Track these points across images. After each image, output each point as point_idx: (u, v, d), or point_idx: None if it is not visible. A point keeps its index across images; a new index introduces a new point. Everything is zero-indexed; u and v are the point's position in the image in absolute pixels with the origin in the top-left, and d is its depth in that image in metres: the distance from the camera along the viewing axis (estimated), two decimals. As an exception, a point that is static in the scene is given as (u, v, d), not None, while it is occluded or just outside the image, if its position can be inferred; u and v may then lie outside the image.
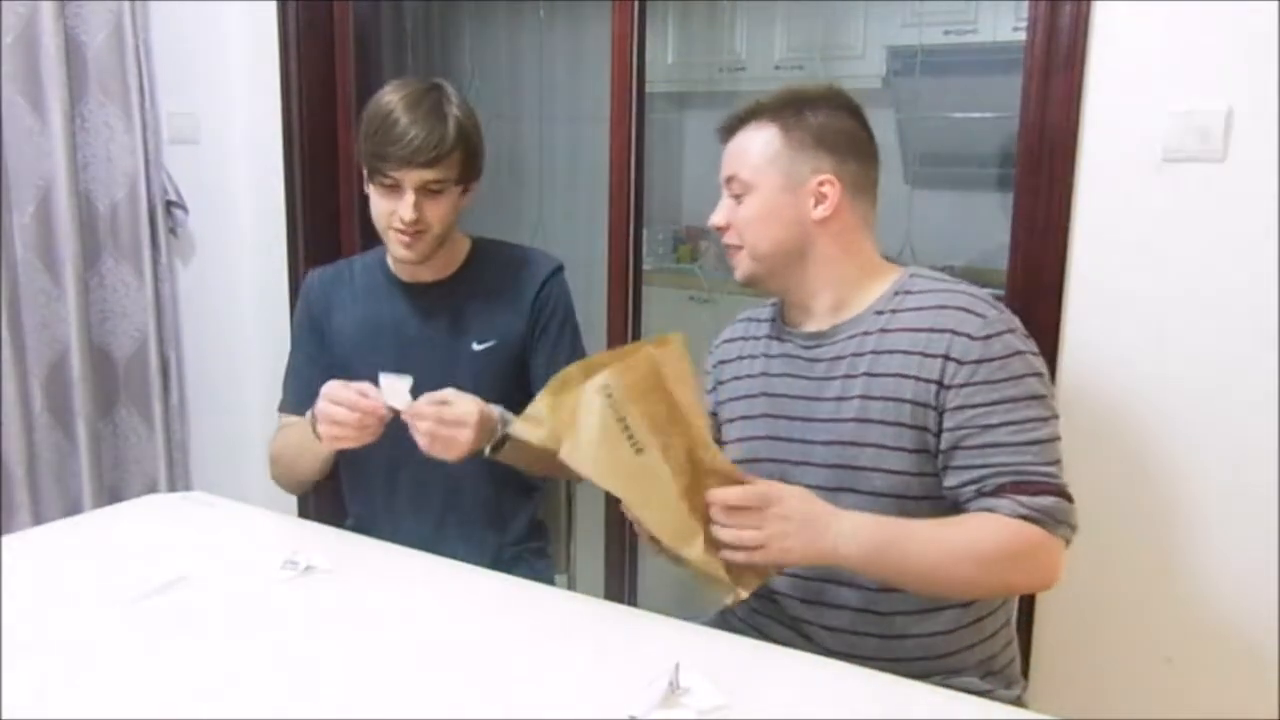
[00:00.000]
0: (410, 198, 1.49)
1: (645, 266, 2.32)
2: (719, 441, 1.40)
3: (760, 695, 1.05)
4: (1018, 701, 1.31)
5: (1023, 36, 1.70)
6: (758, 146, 1.32)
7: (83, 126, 2.58)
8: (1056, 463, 1.20)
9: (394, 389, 1.37)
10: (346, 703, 1.03)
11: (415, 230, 1.51)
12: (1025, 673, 1.53)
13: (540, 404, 1.13)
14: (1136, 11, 1.59)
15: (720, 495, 1.13)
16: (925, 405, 1.22)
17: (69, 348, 2.58)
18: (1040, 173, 1.69)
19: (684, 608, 1.47)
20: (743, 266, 1.35)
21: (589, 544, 2.15)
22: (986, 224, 3.32)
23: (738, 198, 1.33)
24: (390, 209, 1.51)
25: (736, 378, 1.43)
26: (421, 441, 1.37)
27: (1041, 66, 1.67)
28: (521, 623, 1.23)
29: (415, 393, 1.55)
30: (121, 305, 2.68)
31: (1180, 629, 1.67)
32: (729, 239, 1.36)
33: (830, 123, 1.32)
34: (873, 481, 1.25)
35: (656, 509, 1.13)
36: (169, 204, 2.70)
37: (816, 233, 1.31)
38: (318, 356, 1.68)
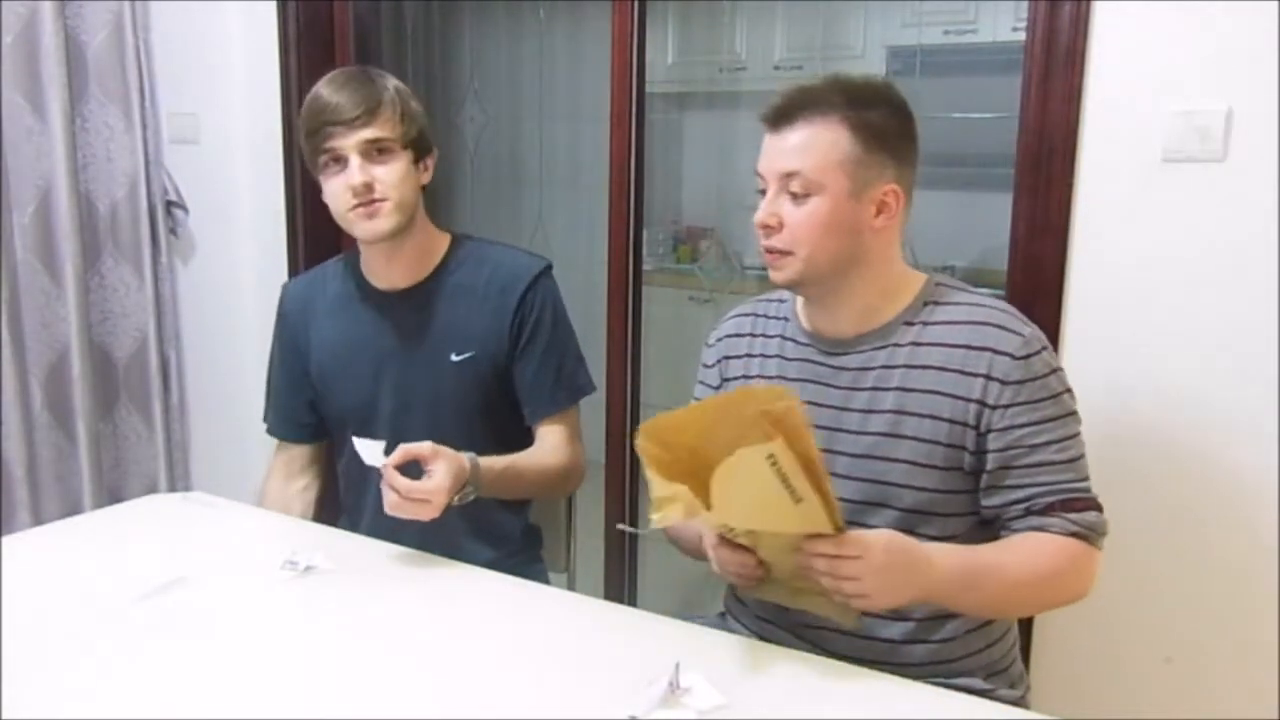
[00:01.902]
0: (356, 160, 1.44)
1: (645, 266, 2.32)
2: None
3: (760, 695, 1.05)
4: (1021, 701, 1.31)
5: (1023, 36, 1.71)
6: (825, 143, 1.20)
7: (83, 126, 2.58)
8: (1089, 477, 1.22)
9: (370, 449, 1.36)
10: (346, 703, 1.03)
11: (372, 199, 1.45)
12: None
13: (660, 489, 1.05)
14: (1136, 11, 1.59)
15: (822, 546, 1.07)
16: (963, 424, 1.21)
17: (69, 348, 2.58)
18: (1040, 173, 1.69)
19: (684, 608, 1.47)
20: (789, 271, 1.24)
21: (589, 544, 2.15)
22: (986, 224, 3.32)
23: (796, 196, 1.21)
24: (342, 185, 1.45)
25: (747, 376, 1.37)
26: (386, 507, 1.33)
27: (1041, 66, 1.67)
28: (521, 622, 1.23)
29: (404, 410, 1.54)
30: (121, 305, 2.68)
31: (1180, 629, 1.67)
32: (778, 242, 1.23)
33: (891, 124, 1.23)
34: (904, 498, 1.23)
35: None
36: (169, 204, 2.70)
37: (870, 242, 1.24)
38: (298, 376, 1.64)
